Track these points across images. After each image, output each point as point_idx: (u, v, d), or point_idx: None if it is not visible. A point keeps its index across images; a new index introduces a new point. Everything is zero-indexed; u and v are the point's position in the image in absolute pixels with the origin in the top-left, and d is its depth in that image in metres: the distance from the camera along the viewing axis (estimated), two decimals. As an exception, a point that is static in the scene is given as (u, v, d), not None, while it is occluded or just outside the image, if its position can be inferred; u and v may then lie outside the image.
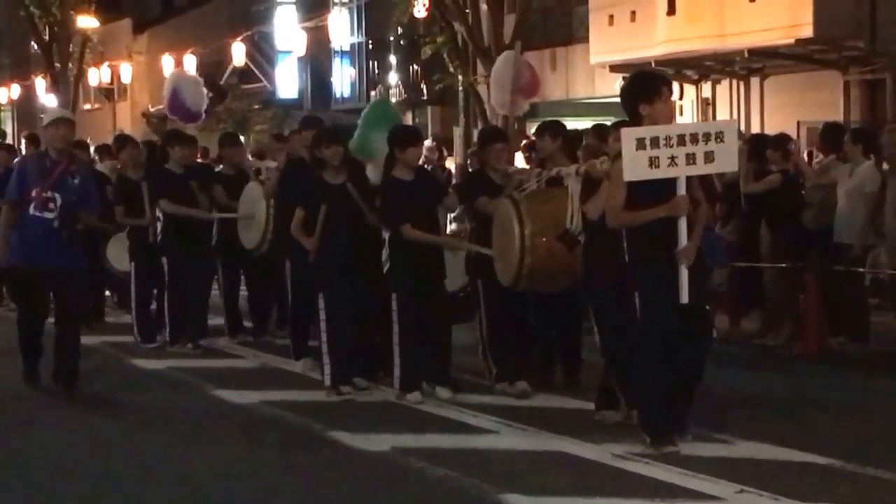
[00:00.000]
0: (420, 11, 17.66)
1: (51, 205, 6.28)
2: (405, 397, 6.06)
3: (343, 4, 24.53)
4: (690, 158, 4.77)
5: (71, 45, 26.17)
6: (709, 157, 4.80)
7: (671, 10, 15.20)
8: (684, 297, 4.81)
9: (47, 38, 26.19)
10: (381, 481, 4.83)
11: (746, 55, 14.66)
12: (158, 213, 7.85)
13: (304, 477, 4.92)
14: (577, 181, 5.63)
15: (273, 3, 25.38)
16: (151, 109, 30.53)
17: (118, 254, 8.51)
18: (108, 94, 29.20)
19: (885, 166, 7.51)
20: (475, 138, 17.45)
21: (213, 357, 7.70)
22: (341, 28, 22.55)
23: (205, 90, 9.48)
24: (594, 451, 5.07)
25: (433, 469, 4.86)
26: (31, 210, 6.29)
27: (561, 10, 18.68)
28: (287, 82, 25.84)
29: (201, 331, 7.96)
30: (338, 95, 25.95)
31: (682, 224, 4.81)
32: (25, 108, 31.89)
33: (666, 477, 4.66)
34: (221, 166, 8.66)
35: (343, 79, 25.91)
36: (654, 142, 4.75)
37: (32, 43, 28.38)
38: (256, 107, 26.28)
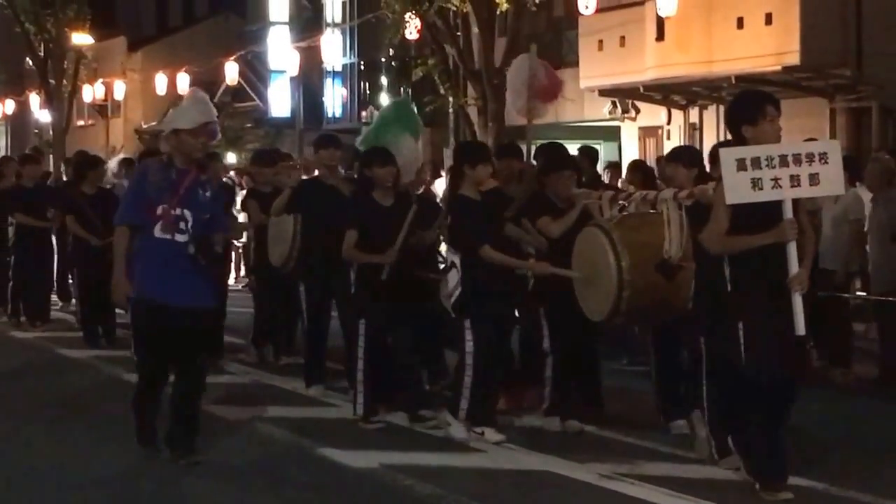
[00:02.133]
0: (412, 34, 17.81)
1: (181, 224, 5.04)
2: (480, 433, 5.61)
3: (336, 26, 24.74)
4: (794, 180, 4.50)
5: (65, 62, 26.30)
6: (813, 178, 4.53)
7: (660, 37, 15.42)
8: (800, 328, 4.50)
9: (42, 54, 26.31)
10: (368, 498, 4.87)
11: (734, 81, 14.85)
12: None
13: (292, 493, 4.94)
14: (676, 206, 5.33)
15: (267, 24, 25.57)
16: (144, 126, 30.61)
17: None
18: (102, 110, 29.29)
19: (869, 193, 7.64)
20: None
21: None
22: (334, 49, 22.72)
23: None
24: (580, 470, 5.11)
25: (421, 486, 4.90)
26: (158, 232, 5.05)
27: (551, 34, 18.90)
28: (279, 101, 26.00)
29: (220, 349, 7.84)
30: (329, 115, 26.12)
31: (792, 249, 4.50)
32: (19, 124, 31.94)
33: (652, 497, 4.71)
34: (247, 182, 8.59)
35: (335, 99, 26.09)
36: (756, 162, 4.48)
37: (27, 59, 28.48)
38: (249, 125, 26.40)
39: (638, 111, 17.70)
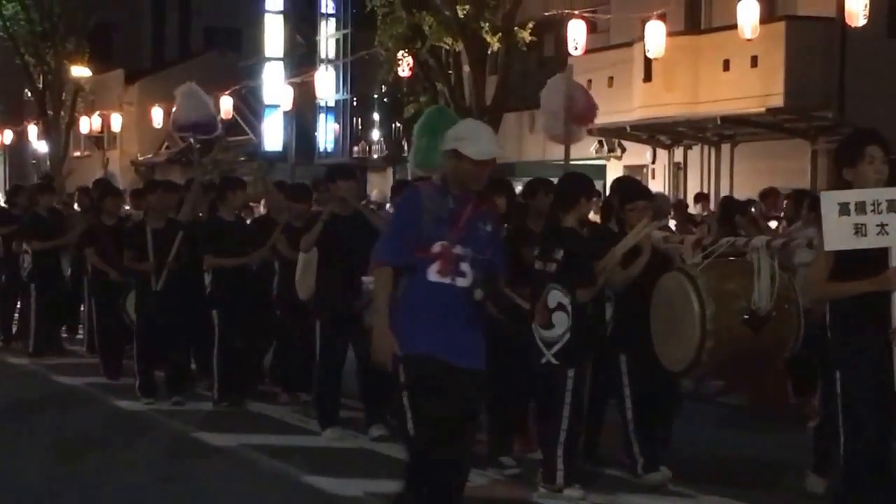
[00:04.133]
0: (404, 71, 18.12)
1: (462, 266, 3.95)
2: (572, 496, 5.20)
3: (329, 62, 25.09)
4: None
5: (63, 94, 26.54)
6: None
7: (647, 78, 15.71)
8: None
9: (41, 86, 26.55)
10: (353, 524, 4.96)
11: (719, 122, 15.14)
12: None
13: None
14: (767, 255, 5.10)
15: (261, 59, 25.90)
16: (140, 158, 30.82)
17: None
18: (98, 142, 29.51)
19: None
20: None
21: (193, 400, 7.74)
22: (327, 85, 23.04)
23: (206, 98, 8.66)
24: (562, 500, 5.19)
25: (404, 513, 5.01)
26: (433, 275, 3.92)
27: (540, 73, 19.19)
28: (273, 135, 26.27)
29: (252, 387, 7.60)
30: (321, 150, 26.43)
31: None
32: (17, 154, 32.13)
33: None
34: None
35: (327, 134, 26.41)
36: (860, 207, 4.14)
37: (26, 90, 28.73)
38: (242, 158, 26.64)
39: (624, 150, 17.96)
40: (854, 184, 4.28)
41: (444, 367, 3.87)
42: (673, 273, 5.36)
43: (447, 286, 3.92)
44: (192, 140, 10.02)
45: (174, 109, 8.63)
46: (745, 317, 5.02)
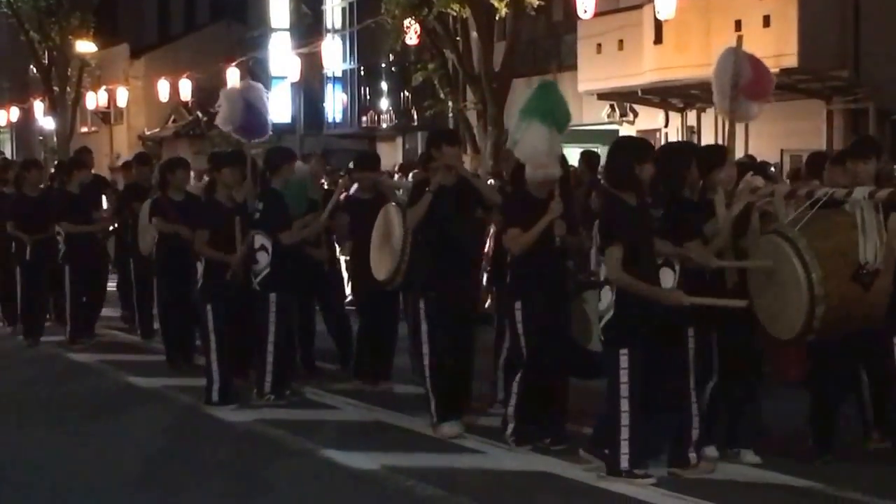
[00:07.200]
0: (411, 39, 17.95)
1: None
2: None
3: (336, 32, 24.90)
4: None
5: (69, 70, 26.48)
6: None
7: (658, 40, 15.51)
8: None
9: (46, 62, 26.51)
10: (370, 499, 4.96)
11: (732, 84, 14.89)
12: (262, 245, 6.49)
13: (296, 493, 5.03)
14: (870, 206, 4.80)
15: (268, 30, 25.70)
16: (147, 132, 30.76)
17: None
18: (105, 117, 29.45)
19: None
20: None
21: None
22: (334, 55, 22.87)
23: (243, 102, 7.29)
24: (579, 471, 5.18)
25: (422, 487, 4.98)
26: None
27: (550, 38, 19.01)
28: (280, 107, 26.08)
29: (312, 370, 7.11)
30: (330, 120, 26.31)
31: None
32: (24, 131, 32.14)
33: (650, 497, 4.77)
34: (354, 189, 7.26)
35: (335, 104, 26.25)
36: None
37: (32, 67, 28.68)
38: (250, 130, 26.55)
39: (636, 114, 17.79)
40: None
41: None
42: (768, 237, 4.96)
43: None
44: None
45: (220, 110, 7.39)
46: (857, 273, 4.73)
